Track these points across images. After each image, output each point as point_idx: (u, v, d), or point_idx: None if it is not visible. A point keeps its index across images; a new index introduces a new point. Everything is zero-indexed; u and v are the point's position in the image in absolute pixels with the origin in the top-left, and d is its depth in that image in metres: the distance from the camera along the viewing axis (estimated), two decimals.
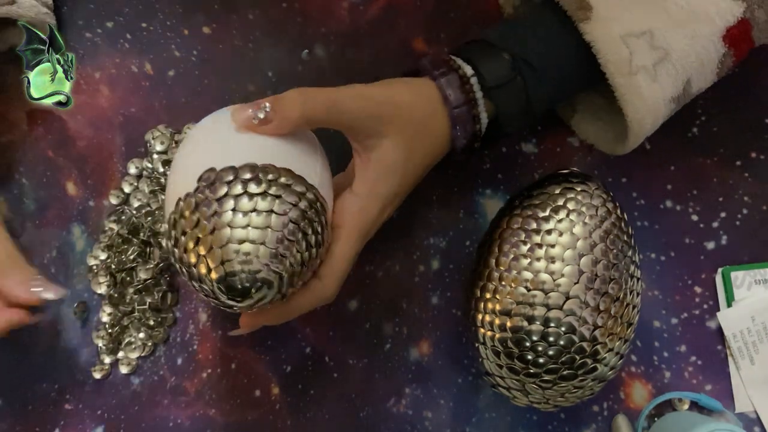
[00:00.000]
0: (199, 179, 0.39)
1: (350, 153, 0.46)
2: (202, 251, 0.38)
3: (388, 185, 0.45)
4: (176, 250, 0.39)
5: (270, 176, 0.39)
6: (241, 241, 0.38)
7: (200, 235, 0.38)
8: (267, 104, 0.41)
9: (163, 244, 0.41)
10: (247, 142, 0.41)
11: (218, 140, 0.41)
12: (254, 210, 0.38)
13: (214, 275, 0.38)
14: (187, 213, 0.39)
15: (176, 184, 0.41)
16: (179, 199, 0.39)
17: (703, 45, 0.46)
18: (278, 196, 0.39)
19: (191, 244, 0.38)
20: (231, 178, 0.39)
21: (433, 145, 0.47)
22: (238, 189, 0.38)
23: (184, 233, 0.39)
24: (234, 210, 0.38)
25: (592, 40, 0.45)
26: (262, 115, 0.41)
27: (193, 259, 0.38)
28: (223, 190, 0.38)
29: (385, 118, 0.44)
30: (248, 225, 0.38)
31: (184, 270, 0.40)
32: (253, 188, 0.39)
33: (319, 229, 0.41)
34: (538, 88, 0.47)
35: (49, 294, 0.47)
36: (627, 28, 0.45)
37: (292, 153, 0.41)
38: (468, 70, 0.46)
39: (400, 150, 0.44)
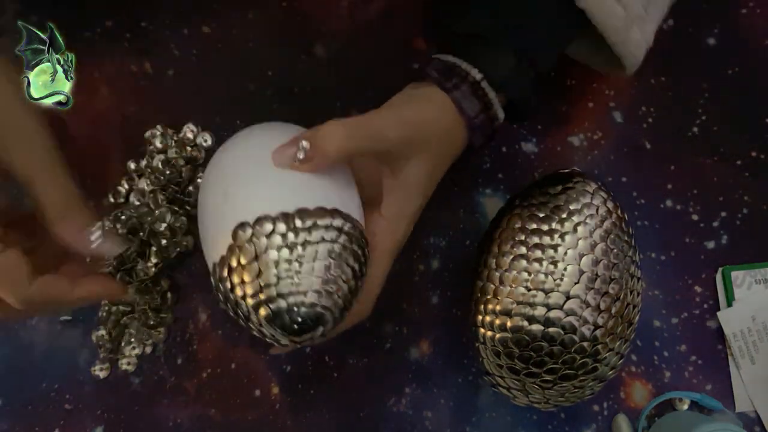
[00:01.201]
0: (253, 225, 0.39)
1: None
2: (263, 297, 0.39)
3: (415, 204, 0.45)
4: (232, 296, 0.40)
5: (323, 221, 0.40)
6: (302, 289, 0.39)
7: (261, 284, 0.39)
8: (305, 143, 0.40)
9: (213, 285, 0.41)
10: (292, 180, 0.41)
11: (259, 177, 0.41)
12: (314, 258, 0.39)
13: (278, 322, 0.39)
14: (243, 261, 0.39)
15: (222, 223, 0.40)
16: (232, 245, 0.39)
17: None
18: (333, 241, 0.40)
19: (251, 291, 0.39)
20: (286, 227, 0.39)
21: (452, 155, 0.47)
22: (294, 238, 0.39)
23: (242, 282, 0.39)
24: (294, 260, 0.39)
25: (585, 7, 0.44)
26: (302, 156, 0.40)
27: (251, 303, 0.39)
28: (280, 238, 0.39)
29: (416, 140, 0.43)
30: (310, 272, 0.39)
31: (240, 314, 0.40)
32: (308, 236, 0.39)
33: (363, 260, 0.42)
34: (544, 60, 0.46)
35: (109, 247, 0.41)
36: None
37: (336, 186, 0.42)
38: (475, 73, 0.45)
39: (425, 168, 0.44)
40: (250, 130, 0.45)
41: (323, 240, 0.39)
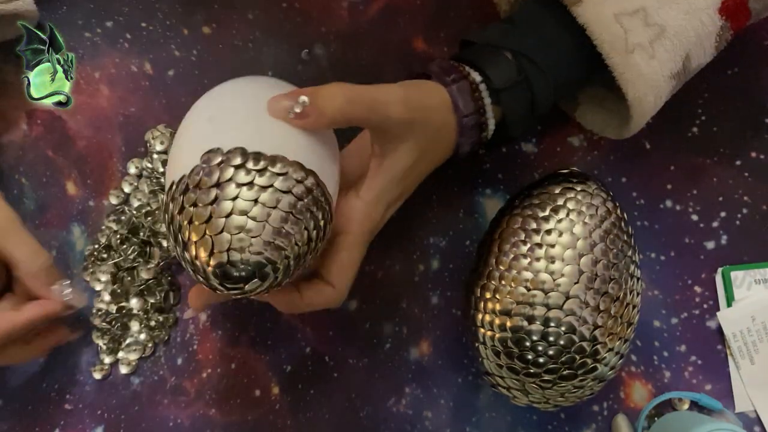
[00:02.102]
0: (226, 153, 0.38)
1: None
2: (208, 232, 0.38)
3: (394, 192, 0.45)
4: (178, 218, 0.39)
5: (288, 169, 0.39)
6: (251, 233, 0.38)
7: (209, 214, 0.38)
8: (305, 98, 0.40)
9: (163, 203, 0.40)
10: (279, 129, 0.40)
11: (249, 116, 0.41)
12: (267, 202, 0.38)
13: (212, 261, 0.38)
14: (203, 185, 0.38)
15: (198, 144, 0.40)
16: (197, 167, 0.39)
17: (700, 18, 0.45)
18: (288, 191, 0.39)
19: (197, 220, 0.38)
20: (253, 164, 0.38)
21: (440, 152, 0.47)
22: (243, 176, 0.38)
23: (195, 205, 0.38)
24: (250, 200, 0.38)
25: (585, 22, 0.44)
26: (299, 110, 0.40)
27: (194, 236, 0.38)
28: (243, 174, 0.38)
29: (415, 124, 0.43)
30: (262, 215, 0.38)
31: (180, 240, 0.39)
32: (259, 178, 0.38)
33: (322, 223, 0.41)
34: (543, 85, 0.47)
35: (75, 302, 0.48)
36: (619, 7, 0.44)
37: (316, 151, 0.41)
38: (476, 76, 0.46)
39: (412, 157, 0.44)
40: (257, 77, 0.43)
41: (272, 186, 0.38)
